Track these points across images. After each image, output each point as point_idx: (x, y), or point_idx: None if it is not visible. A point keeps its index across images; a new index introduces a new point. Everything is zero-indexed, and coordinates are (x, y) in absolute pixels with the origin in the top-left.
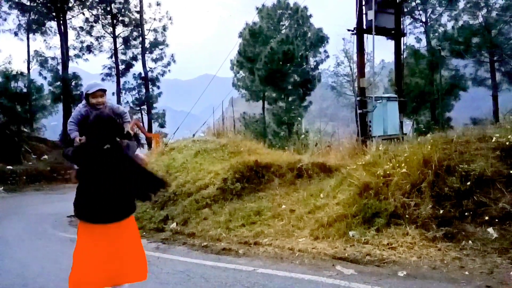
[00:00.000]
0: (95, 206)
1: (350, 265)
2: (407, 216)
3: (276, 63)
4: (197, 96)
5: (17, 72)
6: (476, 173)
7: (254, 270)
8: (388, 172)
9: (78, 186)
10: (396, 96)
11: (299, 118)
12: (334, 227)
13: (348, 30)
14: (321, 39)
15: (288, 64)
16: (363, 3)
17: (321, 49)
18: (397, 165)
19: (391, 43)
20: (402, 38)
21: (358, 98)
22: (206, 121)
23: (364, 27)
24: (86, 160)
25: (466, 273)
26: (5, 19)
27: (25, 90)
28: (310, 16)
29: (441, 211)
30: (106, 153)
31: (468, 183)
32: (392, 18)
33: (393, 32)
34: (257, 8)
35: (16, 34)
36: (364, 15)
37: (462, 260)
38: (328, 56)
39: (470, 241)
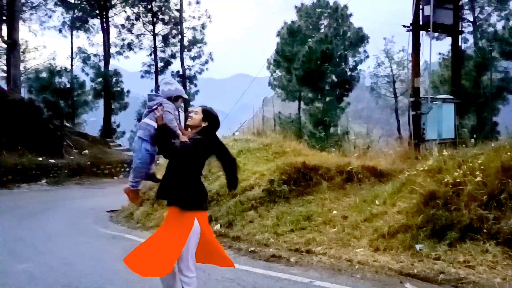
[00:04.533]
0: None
1: (422, 284)
2: (485, 230)
3: (314, 62)
4: (230, 95)
5: (61, 68)
6: None
7: (310, 282)
8: (458, 180)
9: (189, 180)
10: (452, 97)
11: (349, 118)
12: (397, 239)
13: (404, 26)
14: (361, 38)
15: (326, 64)
16: None
17: (361, 49)
18: (469, 172)
19: (436, 43)
20: (459, 36)
21: (411, 99)
22: (246, 121)
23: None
24: (207, 154)
25: None
26: (50, 16)
27: (68, 85)
28: (350, 15)
29: None
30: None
31: None
32: (450, 13)
33: (451, 29)
34: (296, 7)
35: (60, 31)
36: (420, 11)
37: None
38: (367, 56)
39: None
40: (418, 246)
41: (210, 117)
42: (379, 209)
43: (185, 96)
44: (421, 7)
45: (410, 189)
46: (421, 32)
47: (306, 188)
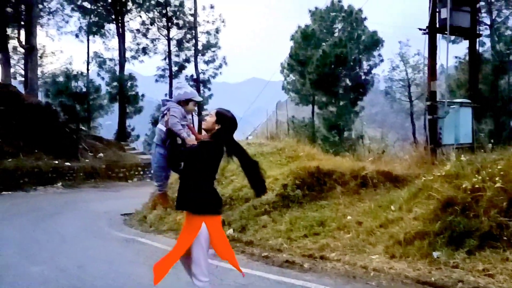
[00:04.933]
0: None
1: None
2: (505, 238)
3: (328, 66)
4: (244, 99)
5: (77, 72)
6: None
7: None
8: (477, 186)
9: (195, 183)
10: (469, 101)
11: (364, 123)
12: (414, 246)
13: (420, 29)
14: (375, 42)
15: (340, 68)
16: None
17: (375, 53)
18: (488, 178)
19: (452, 46)
20: (477, 39)
21: (428, 103)
22: (260, 124)
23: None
24: (217, 157)
25: None
26: (67, 22)
27: (84, 89)
28: (365, 18)
29: None
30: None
31: None
32: (467, 16)
33: (468, 32)
34: (310, 11)
35: (77, 36)
36: (436, 14)
37: None
38: (382, 60)
39: None
40: (435, 254)
41: (224, 119)
42: (395, 215)
43: (197, 99)
44: (437, 10)
45: (427, 194)
46: (438, 35)
47: (320, 193)
